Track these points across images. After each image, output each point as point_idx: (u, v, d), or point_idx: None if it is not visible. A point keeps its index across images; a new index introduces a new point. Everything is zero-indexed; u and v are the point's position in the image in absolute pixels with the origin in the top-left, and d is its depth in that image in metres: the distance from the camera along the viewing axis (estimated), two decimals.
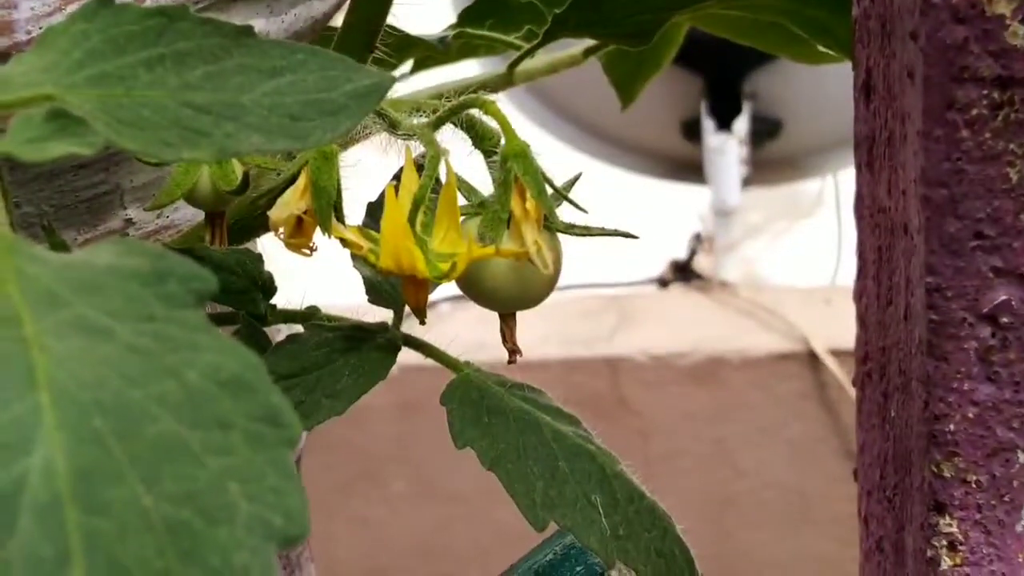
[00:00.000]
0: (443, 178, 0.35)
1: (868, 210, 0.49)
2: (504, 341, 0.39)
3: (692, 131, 1.39)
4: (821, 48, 0.59)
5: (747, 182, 1.48)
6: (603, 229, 0.40)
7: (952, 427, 0.38)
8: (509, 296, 0.38)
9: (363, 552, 1.32)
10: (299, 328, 0.38)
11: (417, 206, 0.35)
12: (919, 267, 0.38)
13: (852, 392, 1.24)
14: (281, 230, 0.36)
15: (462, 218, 0.37)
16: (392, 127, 0.36)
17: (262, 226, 0.42)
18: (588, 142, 1.50)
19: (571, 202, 0.37)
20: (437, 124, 0.36)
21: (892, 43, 0.40)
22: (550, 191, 0.37)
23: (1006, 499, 0.38)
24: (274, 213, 0.36)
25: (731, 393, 1.28)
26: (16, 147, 0.27)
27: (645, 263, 1.46)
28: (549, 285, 0.38)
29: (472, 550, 1.29)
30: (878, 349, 0.48)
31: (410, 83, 0.57)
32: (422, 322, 0.37)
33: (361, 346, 0.38)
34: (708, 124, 1.36)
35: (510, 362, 0.39)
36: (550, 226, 0.37)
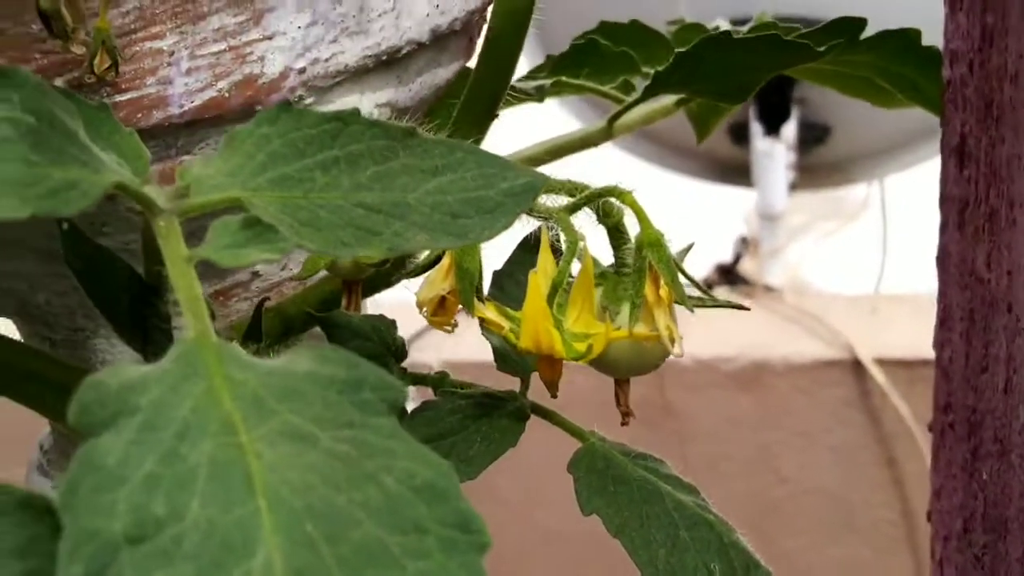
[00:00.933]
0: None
1: (957, 269, 0.51)
2: (618, 404, 0.42)
3: (740, 135, 1.41)
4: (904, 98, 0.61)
5: (793, 187, 1.50)
6: (716, 300, 0.42)
7: None
8: (629, 366, 0.40)
9: None
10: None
11: (555, 290, 0.37)
12: None
13: (895, 401, 1.27)
14: (425, 308, 0.38)
15: None
16: (528, 210, 0.38)
17: (384, 285, 0.44)
18: (634, 143, 1.51)
19: (700, 287, 0.39)
20: (574, 209, 0.38)
21: (1000, 128, 0.42)
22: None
23: None
24: (421, 294, 0.38)
25: (775, 399, 1.30)
26: (215, 253, 0.30)
27: (690, 266, 1.48)
28: (665, 355, 0.41)
29: (513, 551, 1.32)
30: (966, 407, 0.50)
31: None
32: (553, 395, 0.39)
33: (492, 413, 0.40)
34: (756, 128, 1.38)
35: (623, 424, 0.41)
36: (677, 302, 0.39)
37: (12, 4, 0.36)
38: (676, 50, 0.51)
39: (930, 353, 1.27)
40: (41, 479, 0.49)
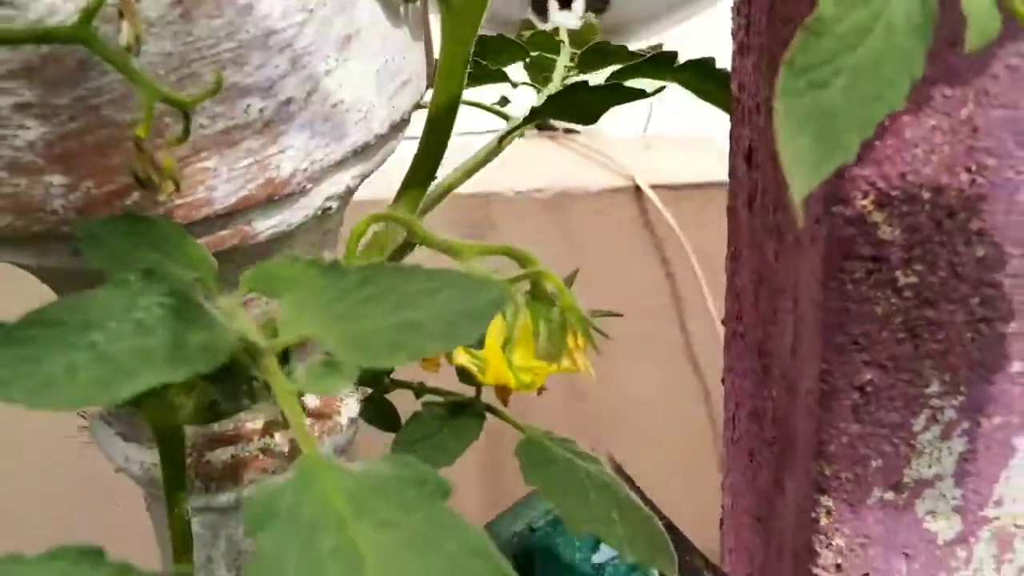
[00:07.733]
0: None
1: (745, 240, 0.62)
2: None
3: (541, 9, 1.50)
4: None
5: None
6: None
7: (832, 447, 0.53)
8: None
9: None
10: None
11: (507, 342, 0.47)
12: (815, 356, 0.52)
13: (668, 217, 1.41)
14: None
15: None
16: None
17: None
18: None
19: (597, 330, 0.50)
20: (514, 282, 0.48)
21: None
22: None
23: (862, 487, 0.54)
24: None
25: (576, 219, 1.43)
26: (309, 386, 0.39)
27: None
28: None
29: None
30: (759, 329, 0.61)
31: None
32: (504, 405, 0.49)
33: (460, 415, 0.50)
34: (553, 3, 1.47)
35: (538, 393, 0.52)
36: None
37: (105, 172, 0.44)
38: (548, 93, 0.61)
39: (691, 178, 1.55)
40: (104, 427, 0.56)
